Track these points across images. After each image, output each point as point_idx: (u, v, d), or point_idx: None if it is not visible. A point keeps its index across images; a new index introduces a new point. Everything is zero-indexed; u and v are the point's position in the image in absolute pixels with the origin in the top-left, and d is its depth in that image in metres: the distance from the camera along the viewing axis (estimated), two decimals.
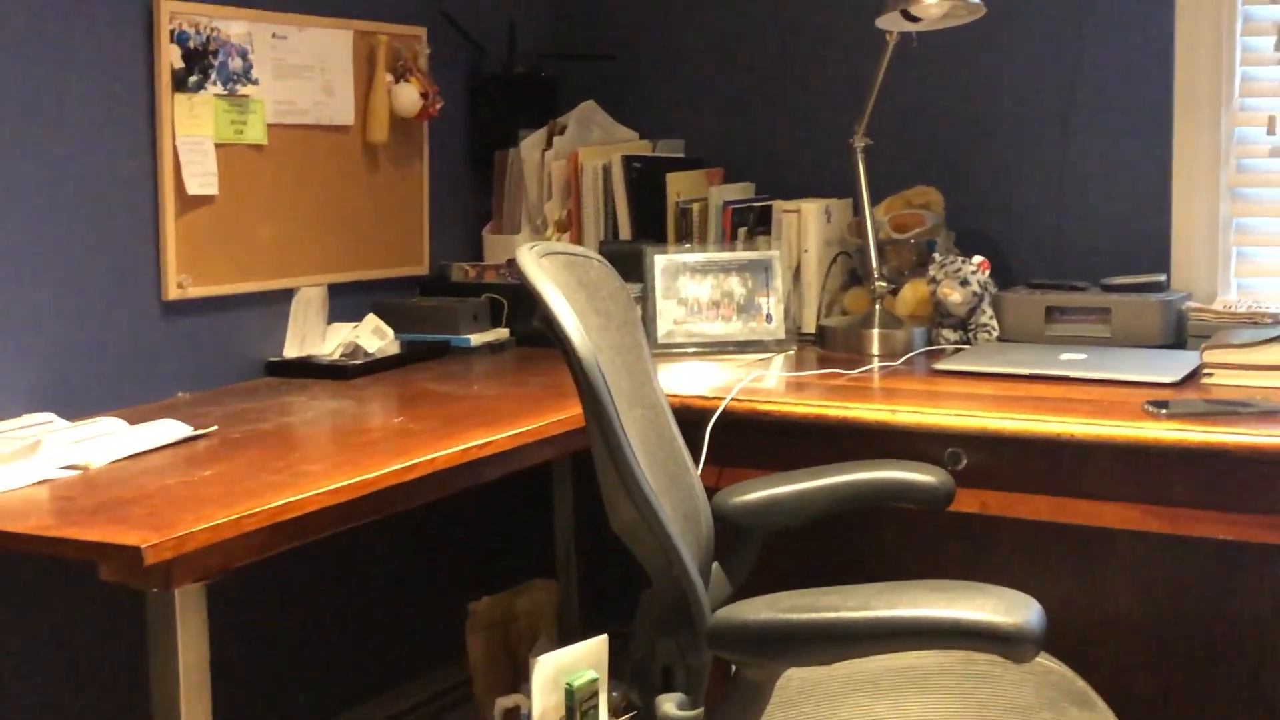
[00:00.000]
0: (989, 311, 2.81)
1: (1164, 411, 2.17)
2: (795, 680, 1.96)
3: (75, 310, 2.40)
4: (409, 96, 2.95)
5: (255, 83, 2.67)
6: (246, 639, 2.68)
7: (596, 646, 2.40)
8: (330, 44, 2.84)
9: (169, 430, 2.16)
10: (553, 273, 1.73)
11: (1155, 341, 2.67)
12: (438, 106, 3.02)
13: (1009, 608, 1.54)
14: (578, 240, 3.18)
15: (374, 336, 2.80)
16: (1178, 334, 2.70)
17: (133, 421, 2.20)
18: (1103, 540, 2.84)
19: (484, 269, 3.15)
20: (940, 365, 2.60)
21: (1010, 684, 1.94)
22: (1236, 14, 2.84)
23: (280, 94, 2.73)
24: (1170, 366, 2.47)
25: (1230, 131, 2.87)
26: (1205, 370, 2.43)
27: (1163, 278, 2.86)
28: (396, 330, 2.86)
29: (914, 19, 2.71)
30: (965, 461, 2.27)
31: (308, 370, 2.72)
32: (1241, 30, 2.85)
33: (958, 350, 2.75)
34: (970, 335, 2.81)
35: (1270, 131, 2.82)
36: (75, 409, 2.31)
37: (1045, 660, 2.00)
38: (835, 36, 3.19)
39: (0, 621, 2.30)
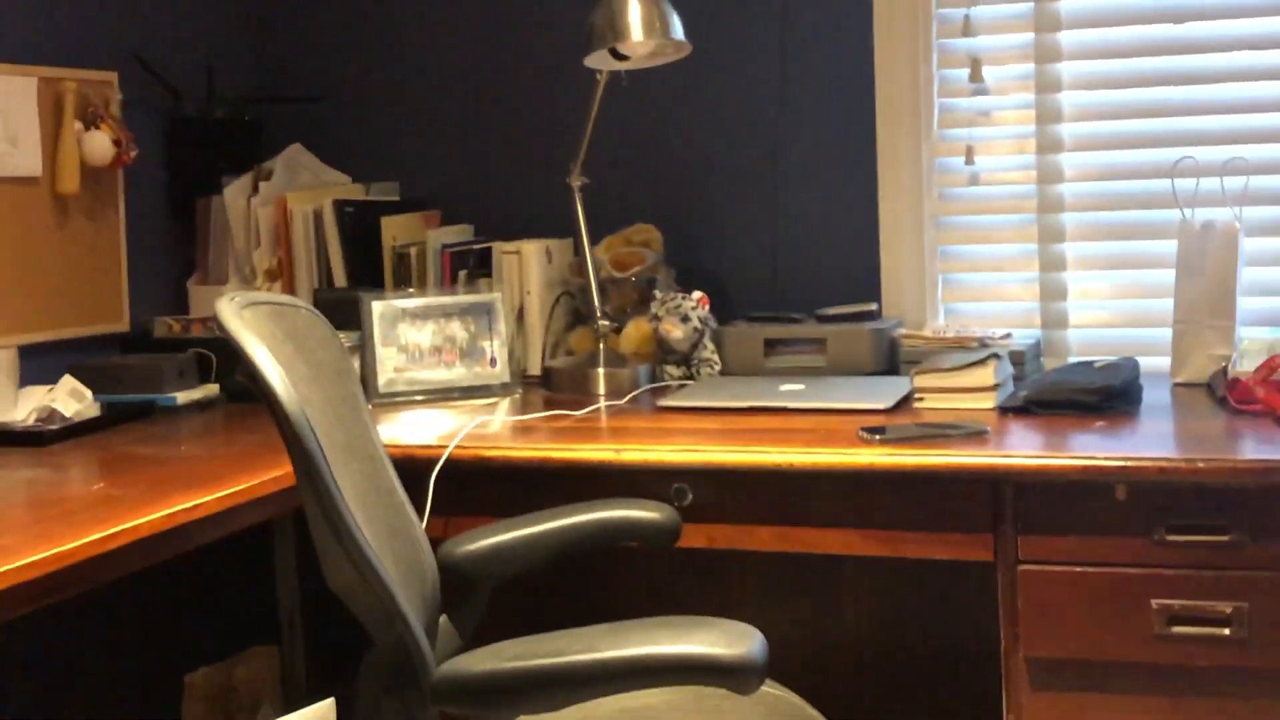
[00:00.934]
0: (710, 346, 2.89)
1: (878, 437, 2.25)
2: None
3: None
4: (101, 144, 2.88)
5: None
6: None
7: (322, 711, 2.37)
8: (12, 92, 2.76)
9: None
10: (256, 324, 1.71)
11: (869, 369, 2.78)
12: (132, 154, 2.95)
13: (731, 640, 1.58)
14: (290, 289, 3.15)
15: (71, 399, 2.71)
16: (890, 360, 2.82)
17: None
18: (829, 567, 2.94)
19: (190, 323, 3.08)
20: (665, 402, 2.65)
21: (741, 716, 1.99)
22: (932, 47, 2.99)
23: None
24: (884, 393, 2.57)
25: (931, 162, 3.01)
26: (916, 395, 2.53)
27: (874, 306, 2.97)
28: (96, 392, 2.77)
29: (622, 57, 2.78)
30: (691, 497, 2.31)
31: (2, 438, 2.60)
32: (937, 63, 3.00)
33: (682, 386, 2.82)
34: (693, 370, 2.89)
35: (968, 161, 2.98)
36: None
37: (774, 689, 2.05)
38: (548, 75, 3.24)
39: None
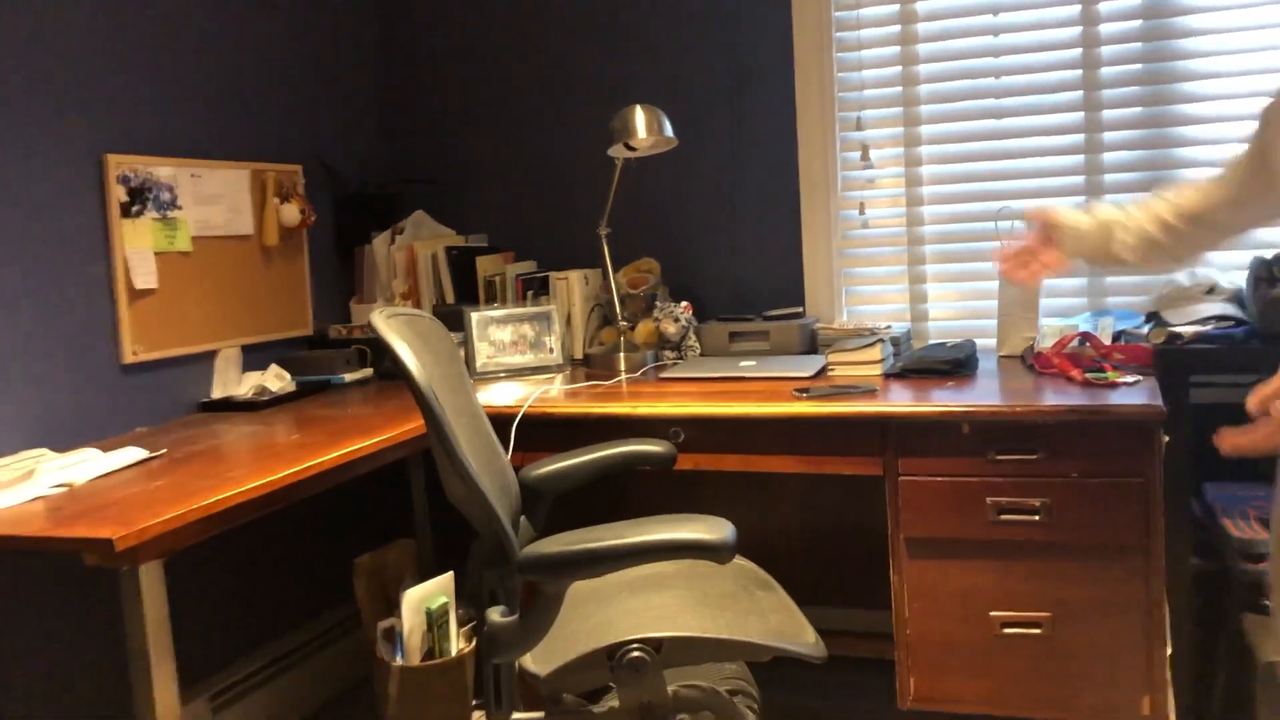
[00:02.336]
0: (694, 337, 2.89)
1: (805, 395, 2.26)
2: (581, 589, 1.99)
3: (61, 373, 2.28)
4: (291, 213, 2.89)
5: (180, 209, 2.59)
6: (195, 599, 2.59)
7: (446, 581, 2.39)
8: (233, 180, 2.76)
9: (131, 454, 2.07)
10: (397, 328, 1.72)
11: (798, 350, 2.77)
12: (312, 219, 2.96)
13: (713, 528, 1.59)
14: (417, 305, 3.15)
15: (276, 380, 2.73)
16: (812, 344, 2.80)
17: (104, 450, 2.10)
18: (773, 482, 2.95)
19: (352, 328, 3.07)
20: (664, 375, 2.65)
21: (719, 578, 2.01)
22: (836, 137, 2.97)
23: (198, 215, 2.64)
24: (808, 366, 2.56)
25: (836, 213, 2.99)
26: (830, 367, 2.54)
27: (801, 309, 2.97)
28: (292, 374, 2.79)
29: (632, 149, 2.79)
30: (683, 436, 2.33)
31: (229, 407, 2.63)
32: (840, 147, 2.99)
33: (675, 364, 2.81)
34: (683, 354, 2.89)
35: (861, 212, 2.97)
36: (62, 443, 2.20)
37: (740, 561, 2.07)
38: (584, 161, 3.24)
39: (9, 609, 2.17)
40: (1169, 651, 2.05)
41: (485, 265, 3.18)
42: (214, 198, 2.70)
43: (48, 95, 2.29)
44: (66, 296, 2.32)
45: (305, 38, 3.09)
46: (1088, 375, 2.22)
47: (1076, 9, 2.74)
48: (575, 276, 3.06)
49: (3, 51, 2.19)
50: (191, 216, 2.63)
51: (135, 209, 2.46)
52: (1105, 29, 2.73)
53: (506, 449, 2.29)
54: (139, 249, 2.48)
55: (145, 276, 2.49)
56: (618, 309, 2.91)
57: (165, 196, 2.55)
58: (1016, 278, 1.88)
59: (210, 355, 2.70)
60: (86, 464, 2.00)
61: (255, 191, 2.84)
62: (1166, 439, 2.06)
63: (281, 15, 2.99)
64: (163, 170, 2.54)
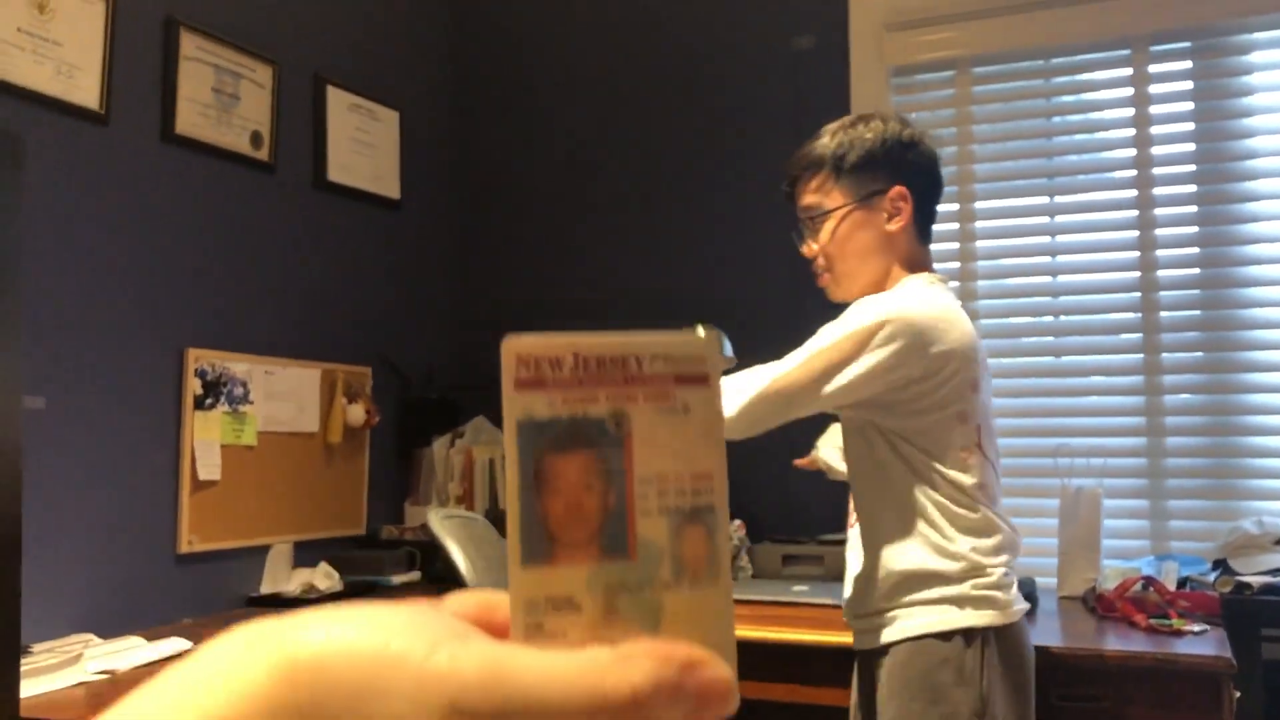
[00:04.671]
0: (745, 558, 2.90)
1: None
2: None
3: (115, 558, 2.36)
4: (357, 413, 3.01)
5: (251, 403, 2.72)
6: None
7: None
8: (304, 378, 2.91)
9: (176, 645, 2.11)
10: (452, 530, 1.78)
11: None
12: (377, 419, 3.08)
13: None
14: (471, 508, 3.21)
15: (325, 578, 2.77)
16: None
17: (150, 639, 2.14)
18: (823, 714, 2.87)
19: (404, 529, 3.14)
20: None
21: None
22: None
23: (268, 411, 2.77)
24: None
25: None
26: None
27: None
28: (341, 574, 2.83)
29: None
30: None
31: (278, 603, 2.66)
32: None
33: None
34: (734, 574, 2.89)
35: None
36: (109, 630, 2.24)
37: None
38: None
39: None
40: None
41: None
42: (284, 394, 2.84)
43: (138, 289, 2.48)
44: (132, 483, 2.42)
45: (385, 244, 3.31)
46: (1152, 621, 2.19)
47: (1135, 255, 2.86)
48: None
49: (98, 245, 2.40)
50: (261, 411, 2.75)
51: (208, 401, 2.60)
52: (1163, 275, 2.83)
53: None
54: (207, 440, 2.59)
55: (209, 468, 2.60)
56: None
57: (238, 391, 2.69)
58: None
59: (263, 549, 2.76)
60: (131, 652, 2.05)
61: (324, 390, 2.97)
62: (1238, 694, 2.00)
63: (363, 223, 3.23)
64: (239, 366, 2.69)
